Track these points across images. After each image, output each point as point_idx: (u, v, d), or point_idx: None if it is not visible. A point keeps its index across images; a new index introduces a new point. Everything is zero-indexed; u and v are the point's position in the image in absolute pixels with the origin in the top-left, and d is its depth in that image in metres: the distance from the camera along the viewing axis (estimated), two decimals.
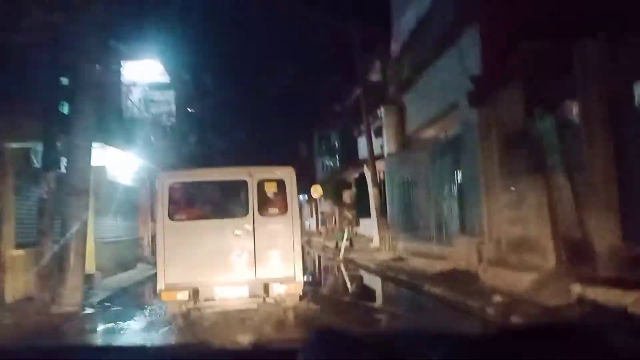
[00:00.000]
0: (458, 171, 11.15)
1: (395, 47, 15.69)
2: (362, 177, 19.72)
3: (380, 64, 18.78)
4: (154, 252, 12.30)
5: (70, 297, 8.27)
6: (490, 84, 8.72)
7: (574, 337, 0.99)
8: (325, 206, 29.99)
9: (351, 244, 17.28)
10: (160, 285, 7.02)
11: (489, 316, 6.37)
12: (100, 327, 7.86)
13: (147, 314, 8.51)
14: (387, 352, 1.03)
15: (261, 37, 39.23)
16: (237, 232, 7.16)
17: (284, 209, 7.33)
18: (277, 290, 6.98)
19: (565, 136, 7.54)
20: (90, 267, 11.21)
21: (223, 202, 7.83)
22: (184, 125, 22.61)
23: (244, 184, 7.30)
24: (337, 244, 18.37)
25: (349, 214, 23.60)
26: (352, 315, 7.91)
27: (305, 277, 7.84)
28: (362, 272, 13.33)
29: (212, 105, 24.48)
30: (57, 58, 8.25)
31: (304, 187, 24.35)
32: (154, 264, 12.55)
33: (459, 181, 11.16)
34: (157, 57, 16.73)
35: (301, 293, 7.41)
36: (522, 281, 7.09)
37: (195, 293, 6.88)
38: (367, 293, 11.07)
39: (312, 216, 36.33)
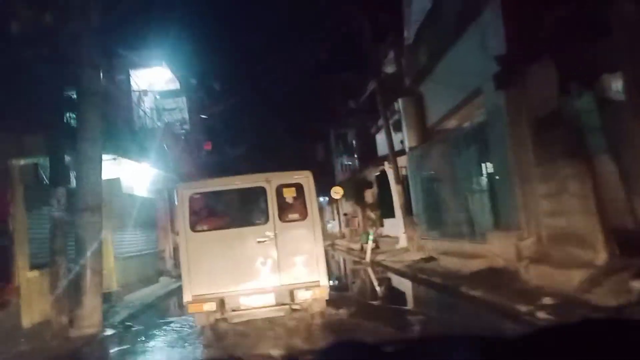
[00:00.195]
0: (486, 161, 10.48)
1: (408, 34, 15.02)
2: (383, 174, 19.11)
3: (394, 54, 18.19)
4: (177, 265, 12.01)
5: (89, 319, 7.97)
6: (517, 62, 8.06)
7: None
8: (347, 207, 29.44)
9: (377, 245, 16.68)
10: (187, 298, 7.02)
11: (541, 321, 5.66)
12: (122, 349, 7.47)
13: (172, 331, 8.11)
14: None
15: (270, 37, 38.91)
16: (259, 239, 7.18)
17: (304, 213, 7.33)
18: (302, 296, 6.97)
19: (606, 114, 6.92)
20: (111, 284, 10.93)
21: (243, 210, 7.81)
22: (198, 132, 22.36)
23: (262, 191, 7.34)
24: (362, 246, 17.76)
25: (372, 214, 23.03)
26: (385, 321, 7.34)
27: (331, 281, 7.76)
28: (391, 275, 12.59)
29: (225, 109, 24.18)
30: (58, 69, 7.91)
31: (323, 188, 23.92)
32: (177, 277, 12.41)
33: (488, 172, 10.50)
34: (166, 64, 16.47)
35: (327, 298, 7.26)
36: (571, 279, 6.45)
37: (221, 303, 6.92)
38: (398, 297, 10.42)
39: (334, 218, 35.78)
